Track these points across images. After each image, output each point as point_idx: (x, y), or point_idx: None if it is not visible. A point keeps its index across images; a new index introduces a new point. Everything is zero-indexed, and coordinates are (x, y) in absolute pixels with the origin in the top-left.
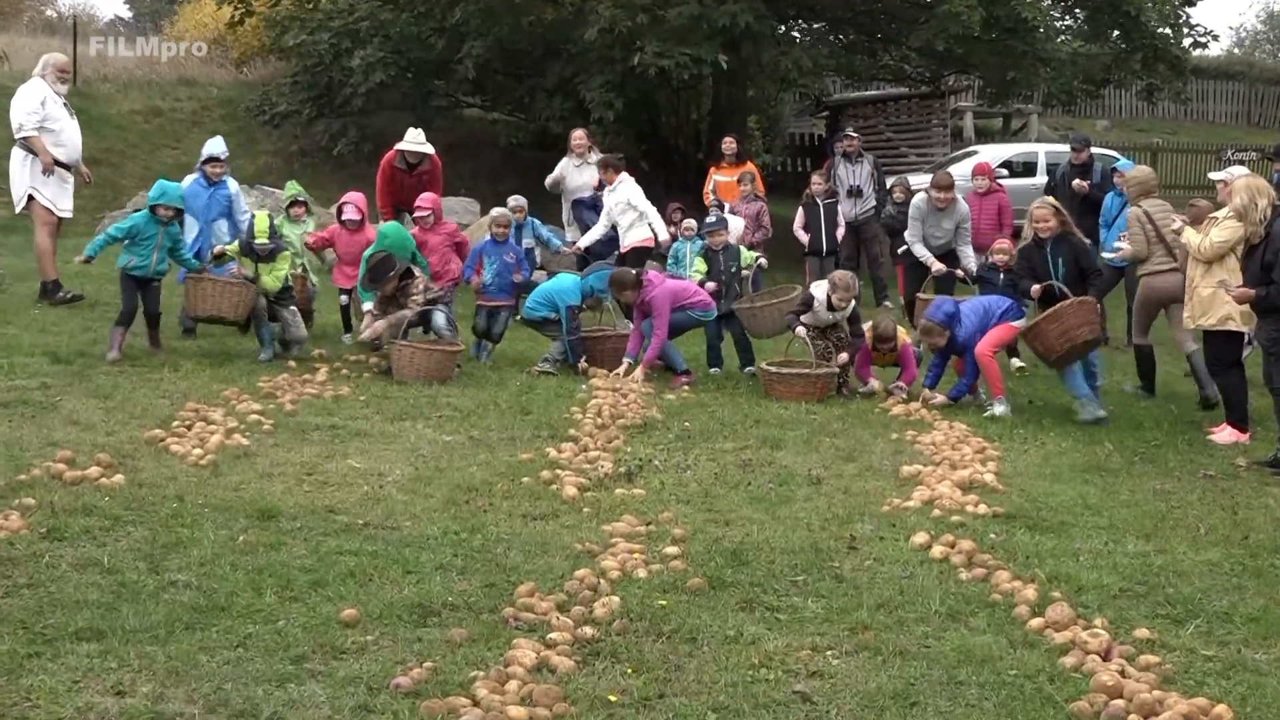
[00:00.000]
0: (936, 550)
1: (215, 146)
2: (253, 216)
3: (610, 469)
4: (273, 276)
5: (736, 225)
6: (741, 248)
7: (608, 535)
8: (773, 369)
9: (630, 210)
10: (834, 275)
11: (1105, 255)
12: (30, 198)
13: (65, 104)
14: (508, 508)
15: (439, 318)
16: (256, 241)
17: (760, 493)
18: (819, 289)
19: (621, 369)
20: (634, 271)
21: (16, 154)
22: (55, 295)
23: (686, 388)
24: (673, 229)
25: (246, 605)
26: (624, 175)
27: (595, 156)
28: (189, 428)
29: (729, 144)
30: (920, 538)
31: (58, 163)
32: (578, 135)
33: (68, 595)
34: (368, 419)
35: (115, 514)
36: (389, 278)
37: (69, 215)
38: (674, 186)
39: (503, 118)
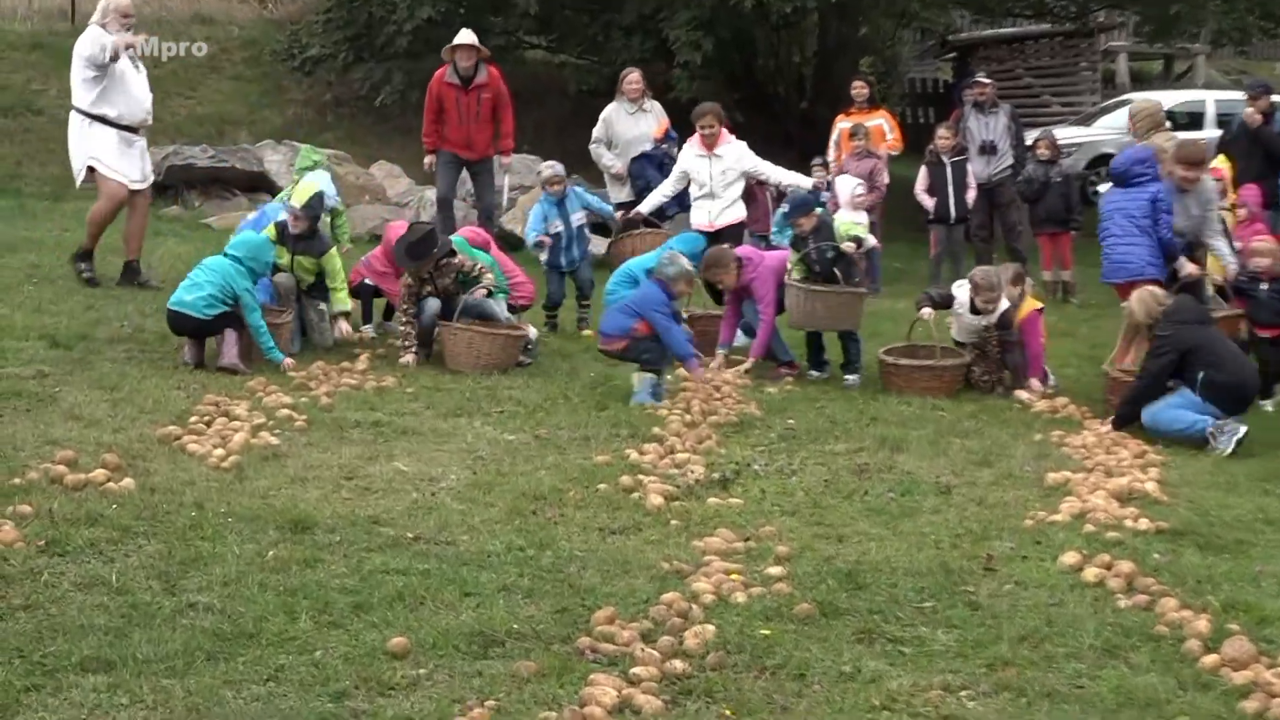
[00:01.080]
0: (1090, 573)
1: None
2: (293, 184)
3: (702, 474)
4: (303, 269)
5: (845, 187)
6: (839, 222)
7: (699, 552)
8: (891, 358)
9: (739, 181)
10: (973, 274)
11: None
12: (90, 169)
13: (130, 54)
14: (582, 519)
15: (489, 305)
16: (291, 201)
17: (879, 503)
18: (961, 290)
19: (715, 362)
20: (730, 249)
21: (74, 119)
22: (80, 263)
23: (790, 380)
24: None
25: (278, 632)
26: (650, 105)
27: (651, 103)
28: (208, 424)
29: (860, 87)
30: (1070, 558)
31: (120, 125)
32: (632, 77)
33: (70, 619)
34: (416, 415)
35: (124, 524)
36: (431, 256)
37: (143, 186)
38: (773, 140)
39: (571, 60)
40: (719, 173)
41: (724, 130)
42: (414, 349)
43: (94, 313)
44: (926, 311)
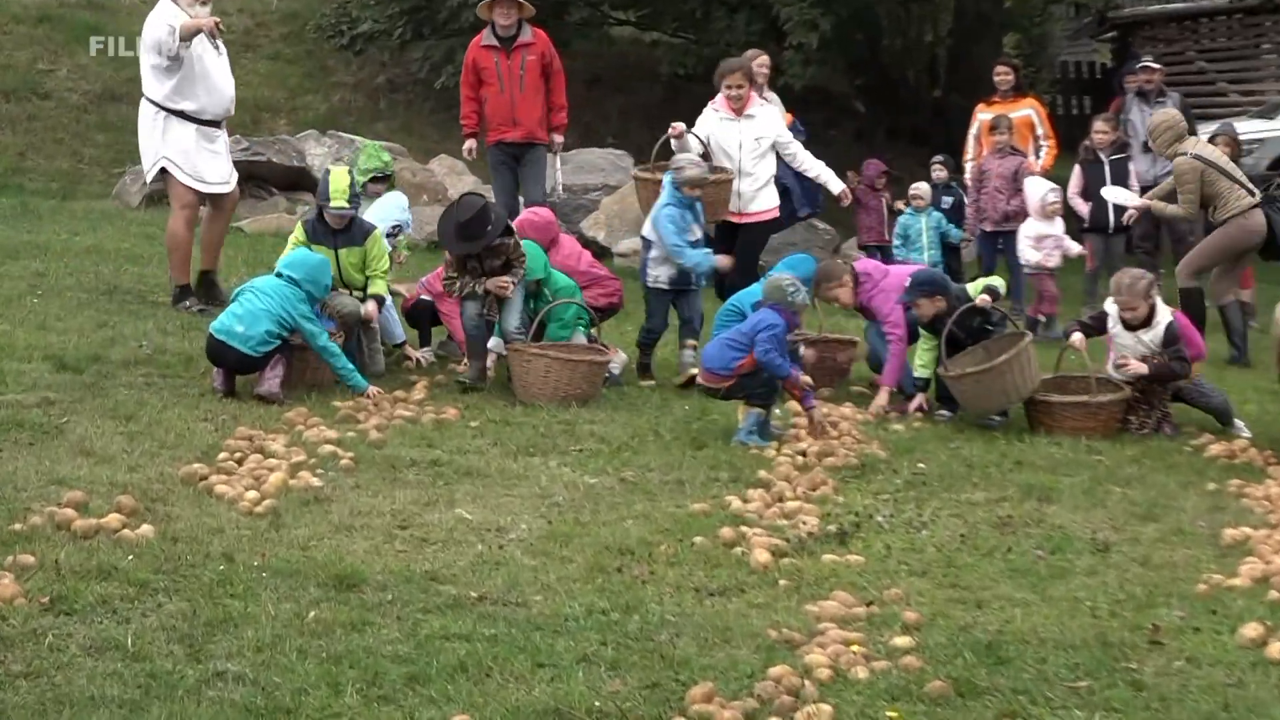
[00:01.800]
0: (1275, 649)
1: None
2: (327, 172)
3: (816, 526)
4: (352, 266)
5: (1036, 191)
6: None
7: (813, 619)
8: (1037, 395)
9: (770, 155)
10: (1118, 277)
11: None
12: (163, 170)
13: (209, 36)
14: (675, 578)
15: (511, 318)
16: (332, 205)
17: (1024, 562)
18: (1113, 306)
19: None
20: (843, 262)
21: (146, 110)
22: (180, 303)
23: (920, 414)
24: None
25: (320, 707)
26: (770, 96)
27: (770, 94)
28: (240, 462)
29: (1003, 73)
30: (1252, 630)
31: (200, 120)
32: (762, 59)
33: (79, 689)
34: (482, 453)
35: (141, 578)
36: (486, 236)
37: (225, 190)
38: (899, 135)
39: (666, 39)
40: (750, 141)
41: (753, 92)
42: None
43: (107, 330)
44: (1078, 338)
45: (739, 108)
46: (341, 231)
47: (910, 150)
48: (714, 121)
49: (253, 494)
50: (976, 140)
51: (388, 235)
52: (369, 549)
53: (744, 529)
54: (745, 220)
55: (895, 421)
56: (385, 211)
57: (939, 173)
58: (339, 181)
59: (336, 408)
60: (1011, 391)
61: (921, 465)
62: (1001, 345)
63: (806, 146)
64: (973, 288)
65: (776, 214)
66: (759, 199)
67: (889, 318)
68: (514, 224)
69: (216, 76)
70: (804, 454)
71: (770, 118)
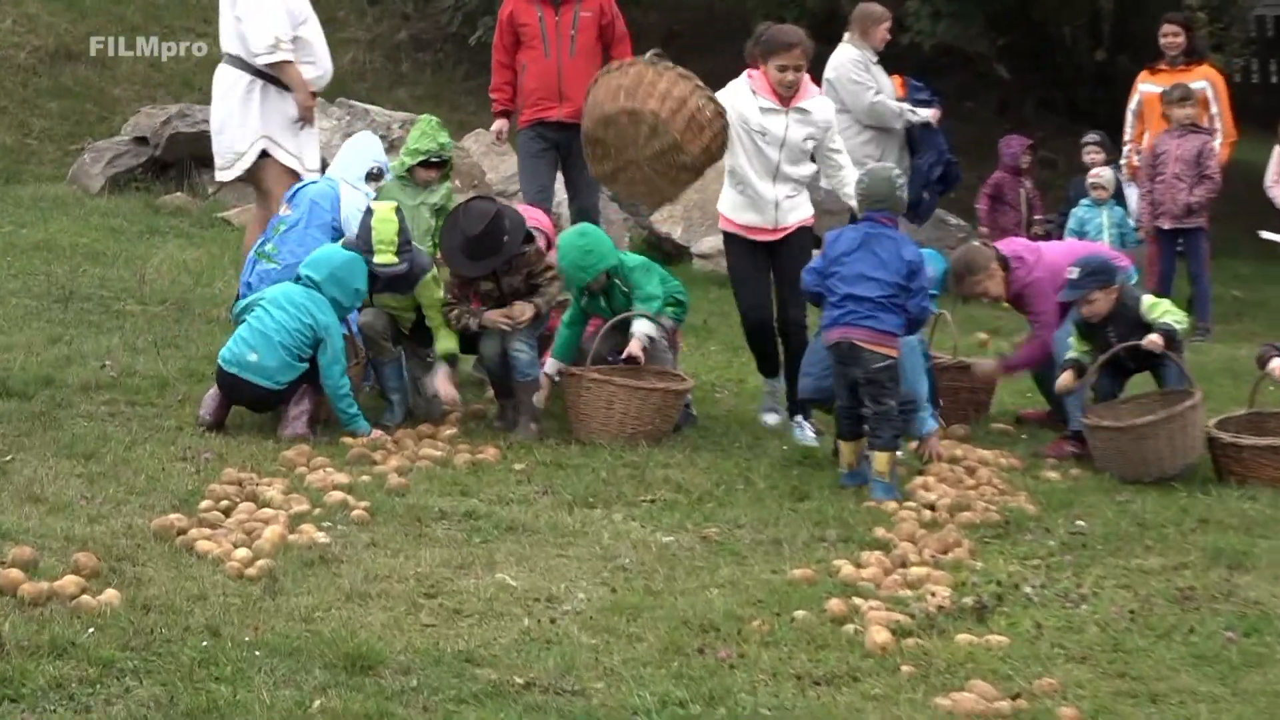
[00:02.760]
0: None
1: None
2: (369, 213)
3: (948, 599)
4: (408, 307)
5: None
6: (1149, 302)
7: (945, 715)
8: (1226, 434)
9: (811, 159)
10: None
11: None
12: (264, 153)
13: None
14: (770, 662)
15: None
16: (377, 261)
17: (1211, 647)
18: None
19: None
20: (978, 248)
21: (234, 79)
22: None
23: (1075, 456)
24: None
25: None
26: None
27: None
28: (227, 512)
29: (1171, 35)
30: None
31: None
32: (885, 24)
33: None
34: (529, 503)
35: (105, 657)
36: (500, 253)
37: (316, 176)
38: (1053, 106)
39: None
40: (799, 139)
41: (801, 67)
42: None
43: (63, 347)
44: (1277, 366)
45: (789, 95)
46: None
47: (1068, 127)
48: (749, 107)
49: (243, 552)
50: (1138, 117)
51: (367, 178)
52: (388, 622)
53: (857, 601)
54: (782, 234)
55: (1049, 466)
56: (354, 157)
57: (1093, 155)
58: (385, 230)
59: (347, 445)
60: (1153, 462)
61: (1081, 523)
62: (1158, 401)
63: (927, 132)
64: (1148, 304)
65: (814, 219)
66: (799, 208)
67: (1042, 314)
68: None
69: (318, 45)
70: (932, 507)
71: (825, 112)
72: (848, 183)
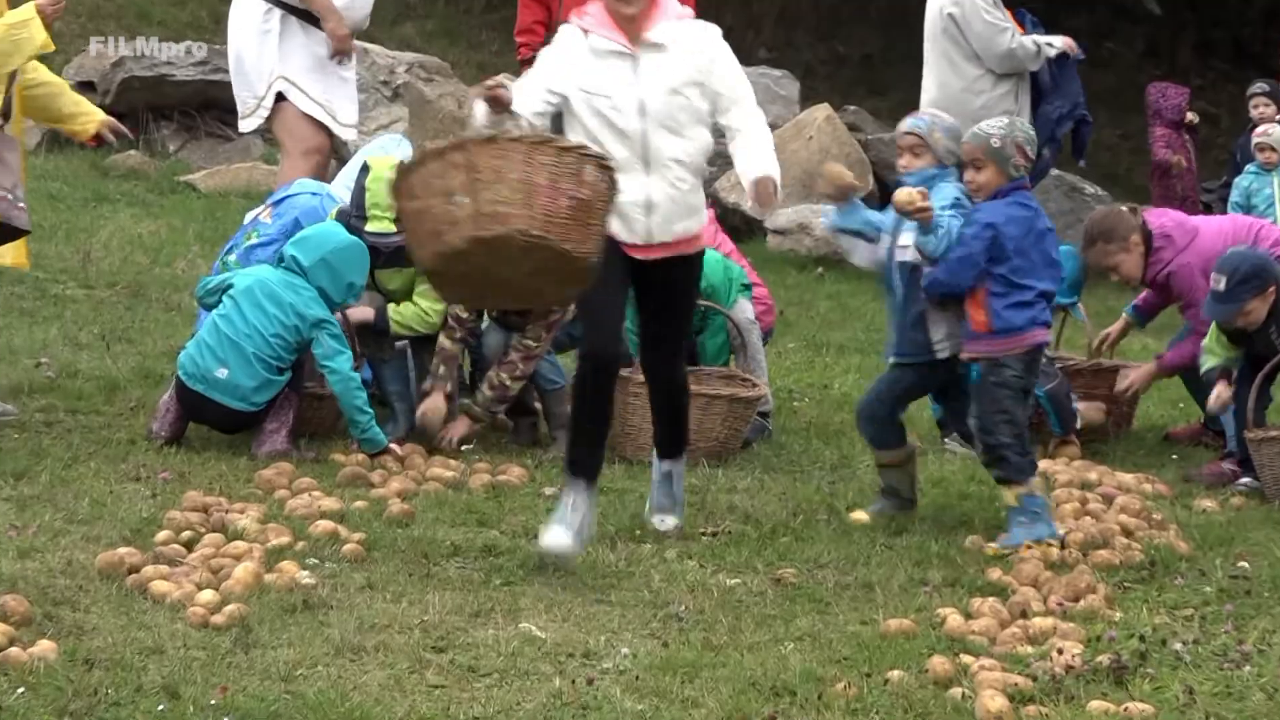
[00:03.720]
0: None
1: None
2: (363, 170)
3: (1078, 657)
4: (394, 290)
5: None
6: None
7: None
8: None
9: (701, 124)
10: None
11: None
12: (280, 96)
13: None
14: None
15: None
16: (369, 230)
17: None
18: None
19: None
20: (1120, 213)
21: (254, 8)
22: None
23: (1243, 485)
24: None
25: None
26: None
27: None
28: (189, 546)
29: None
30: None
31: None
32: None
33: None
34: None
35: None
36: None
37: (353, 135)
38: (1216, 49)
39: None
40: (667, 91)
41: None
42: (444, 385)
43: None
44: None
45: (636, 27)
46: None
47: (1232, 75)
48: (581, 60)
49: (209, 595)
50: None
51: None
52: (386, 682)
53: (966, 659)
54: (661, 256)
55: (1205, 495)
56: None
57: (1262, 109)
58: (382, 193)
59: (339, 462)
60: None
61: (1244, 564)
62: None
63: (1061, 69)
64: None
65: (707, 242)
66: (688, 213)
67: (1194, 306)
68: None
69: None
70: (1060, 544)
71: (702, 41)
72: (754, 160)
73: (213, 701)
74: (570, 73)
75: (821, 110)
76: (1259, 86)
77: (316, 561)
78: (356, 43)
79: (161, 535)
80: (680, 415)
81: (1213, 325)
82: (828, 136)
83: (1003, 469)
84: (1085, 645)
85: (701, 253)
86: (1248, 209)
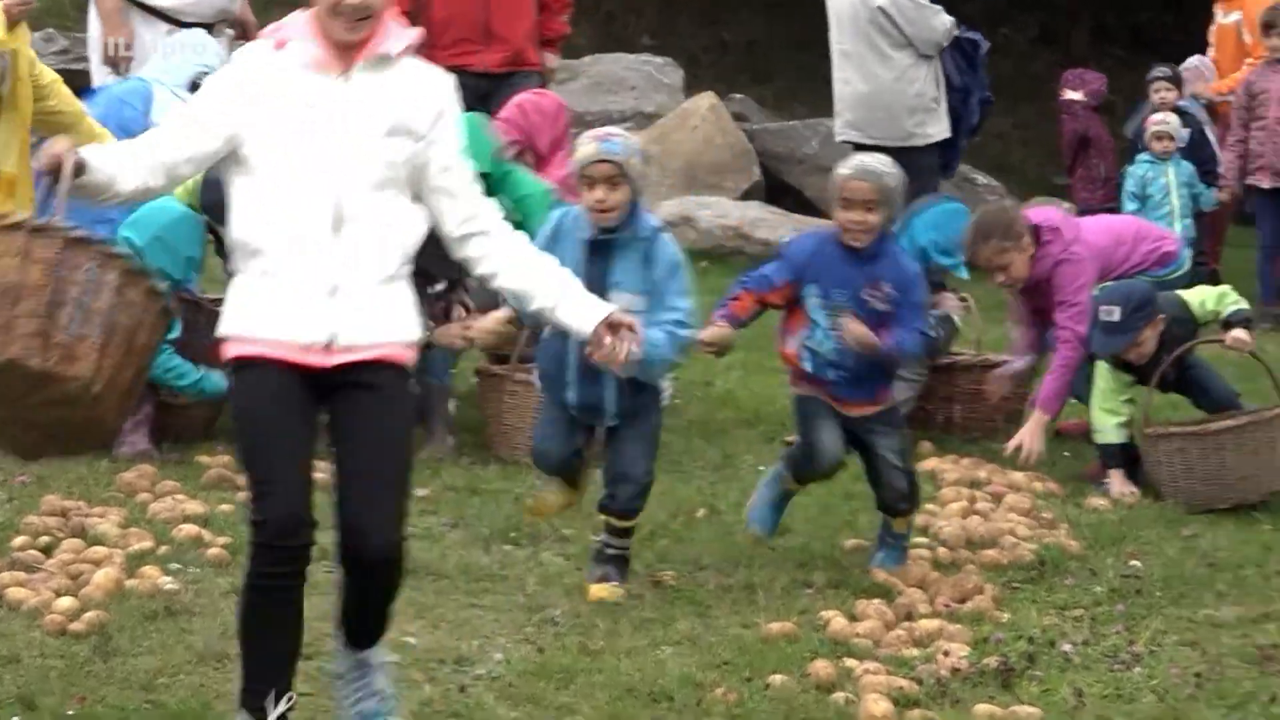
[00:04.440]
0: None
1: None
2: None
3: (965, 660)
4: None
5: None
6: (1196, 295)
7: None
8: None
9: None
10: None
11: None
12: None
13: None
14: None
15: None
16: None
17: None
18: None
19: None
20: (1013, 209)
21: None
22: None
23: (1120, 485)
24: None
25: None
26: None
27: None
28: (47, 551)
29: None
30: None
31: (178, 20)
32: None
33: None
34: (435, 539)
35: None
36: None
37: None
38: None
39: None
40: (377, 136)
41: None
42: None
43: None
44: None
45: (352, 38)
46: None
47: (1129, 61)
48: (263, 79)
49: (67, 602)
50: (1217, 49)
51: (191, 88)
52: None
53: (850, 663)
54: (348, 364)
55: (1095, 493)
56: (179, 58)
57: (1164, 94)
58: None
59: (203, 464)
60: (1232, 484)
61: (1136, 563)
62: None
63: (965, 52)
64: (1196, 300)
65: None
66: (391, 306)
67: (1071, 306)
68: (505, 110)
69: None
70: (945, 543)
71: (435, 87)
72: (505, 265)
73: (70, 712)
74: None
75: (706, 99)
76: (1160, 70)
77: (179, 566)
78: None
79: (18, 541)
80: (388, 599)
81: (1100, 386)
82: (712, 126)
83: (913, 500)
84: (972, 647)
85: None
86: (1143, 198)
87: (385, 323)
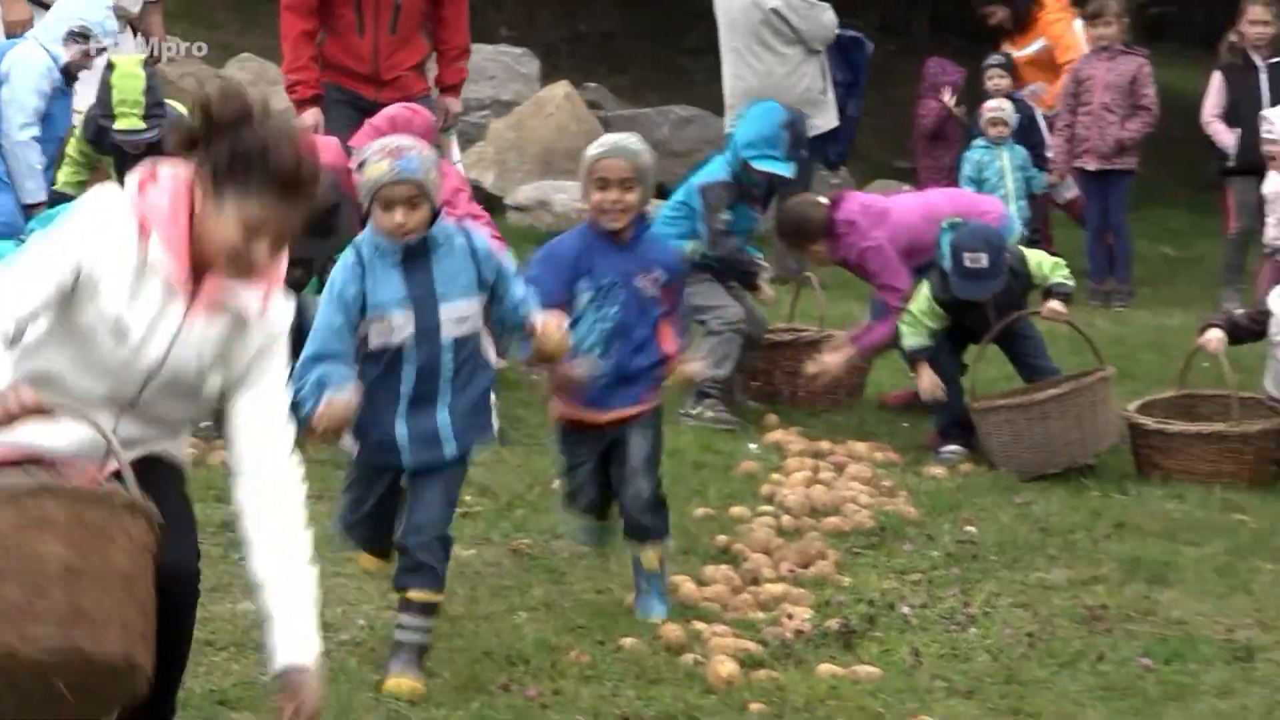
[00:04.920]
0: None
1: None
2: (109, 68)
3: (808, 622)
4: None
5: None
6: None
7: None
8: (1149, 420)
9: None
10: None
11: None
12: None
13: None
14: (591, 700)
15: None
16: (120, 129)
17: (1125, 676)
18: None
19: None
20: (812, 207)
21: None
22: None
23: (961, 456)
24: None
25: None
26: None
27: None
28: None
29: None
30: None
31: None
32: None
33: None
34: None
35: None
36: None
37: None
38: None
39: None
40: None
41: None
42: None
43: None
44: (1215, 338)
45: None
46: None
47: (967, 51)
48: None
49: None
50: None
51: (68, 39)
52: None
53: (699, 626)
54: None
55: (934, 461)
56: (62, 9)
57: (996, 80)
58: (128, 88)
59: None
60: (1059, 449)
61: (971, 529)
62: (1058, 379)
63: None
64: (1034, 260)
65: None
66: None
67: (888, 288)
68: (377, 118)
69: None
70: (789, 511)
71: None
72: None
73: None
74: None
75: (561, 87)
76: (995, 58)
77: None
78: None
79: None
80: (184, 636)
81: (923, 299)
82: (567, 114)
83: (659, 519)
84: (815, 610)
85: None
86: (979, 183)
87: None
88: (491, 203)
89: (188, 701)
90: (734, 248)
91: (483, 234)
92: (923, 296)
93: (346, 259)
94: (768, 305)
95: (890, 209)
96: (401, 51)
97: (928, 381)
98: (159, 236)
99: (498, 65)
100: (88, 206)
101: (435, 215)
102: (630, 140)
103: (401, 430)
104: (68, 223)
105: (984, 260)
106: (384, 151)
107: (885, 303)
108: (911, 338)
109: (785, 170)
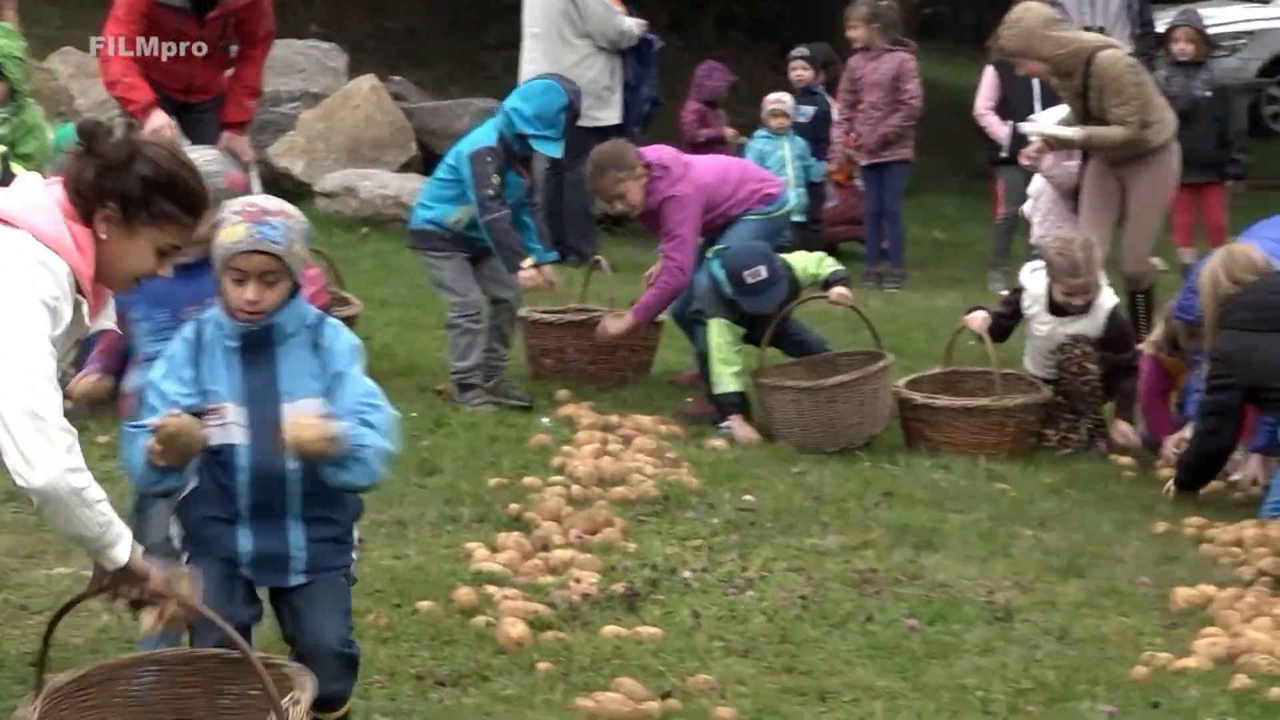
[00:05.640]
0: None
1: None
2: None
3: (594, 586)
4: None
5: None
6: (801, 260)
7: (586, 715)
8: (918, 394)
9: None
10: (1047, 246)
11: None
12: None
13: None
14: (388, 661)
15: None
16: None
17: (891, 636)
18: (1032, 277)
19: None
20: (626, 144)
21: None
22: None
23: (742, 429)
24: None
25: None
26: None
27: None
28: None
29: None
30: None
31: None
32: None
33: None
34: (116, 480)
35: None
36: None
37: None
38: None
39: None
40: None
41: None
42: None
43: None
44: (979, 317)
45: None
46: None
47: (751, 47)
48: None
49: None
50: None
51: None
52: None
53: (490, 590)
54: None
55: (715, 435)
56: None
57: (801, 72)
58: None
59: None
60: (841, 430)
61: (749, 498)
62: (841, 361)
63: (639, 50)
64: (799, 264)
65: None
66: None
67: (674, 238)
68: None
69: None
70: (579, 481)
71: None
72: None
73: None
74: None
75: (367, 80)
76: (799, 51)
77: None
78: None
79: None
80: None
81: (723, 345)
82: (373, 105)
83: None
84: (601, 575)
85: None
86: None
87: None
88: (301, 190)
89: (2, 663)
90: (504, 219)
91: (345, 330)
92: (720, 343)
93: (185, 333)
94: (539, 289)
95: (693, 163)
96: (209, 71)
97: (744, 434)
98: (80, 274)
99: (307, 59)
100: (28, 252)
101: (294, 294)
102: (201, 159)
103: (245, 544)
104: (22, 273)
105: (763, 272)
106: (241, 211)
107: (665, 265)
108: (726, 385)
109: (556, 152)
